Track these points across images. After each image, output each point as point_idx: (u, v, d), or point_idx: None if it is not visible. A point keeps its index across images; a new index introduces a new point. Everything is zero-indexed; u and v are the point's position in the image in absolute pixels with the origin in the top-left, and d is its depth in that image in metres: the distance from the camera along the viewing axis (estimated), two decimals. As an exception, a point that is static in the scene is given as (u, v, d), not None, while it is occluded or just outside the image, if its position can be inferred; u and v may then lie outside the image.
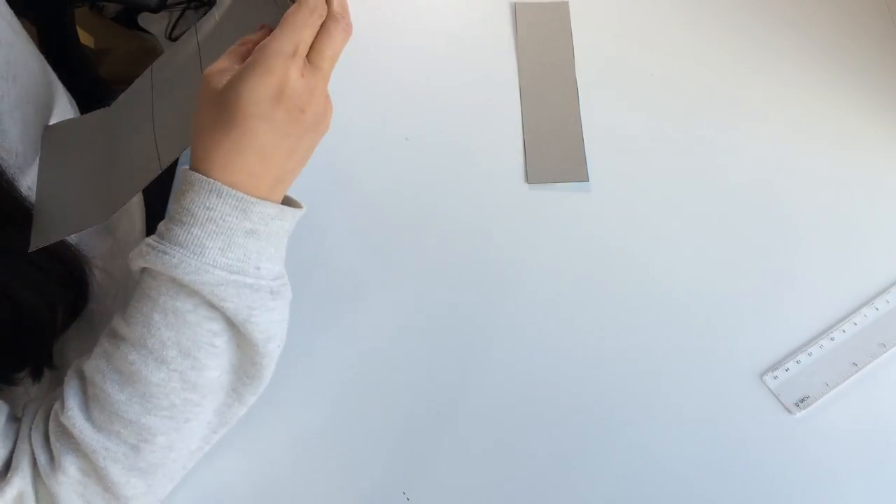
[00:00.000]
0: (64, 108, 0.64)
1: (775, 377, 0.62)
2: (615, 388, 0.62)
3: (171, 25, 1.51)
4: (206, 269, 0.44)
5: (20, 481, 0.46)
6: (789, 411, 0.61)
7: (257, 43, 0.46)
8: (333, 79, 0.47)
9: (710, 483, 0.59)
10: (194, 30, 0.55)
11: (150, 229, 0.80)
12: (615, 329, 0.64)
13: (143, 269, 0.47)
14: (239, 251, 0.46)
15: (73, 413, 0.47)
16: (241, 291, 0.46)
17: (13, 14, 0.60)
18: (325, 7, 0.46)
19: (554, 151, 0.70)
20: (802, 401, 0.61)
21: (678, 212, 0.69)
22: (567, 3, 0.78)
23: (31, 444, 0.48)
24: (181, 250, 0.44)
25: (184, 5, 1.50)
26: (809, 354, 0.62)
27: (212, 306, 0.46)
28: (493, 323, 0.64)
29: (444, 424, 0.61)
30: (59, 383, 0.65)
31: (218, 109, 0.44)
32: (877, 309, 0.64)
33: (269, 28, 0.47)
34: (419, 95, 0.75)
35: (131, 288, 0.49)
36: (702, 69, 0.75)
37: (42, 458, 0.47)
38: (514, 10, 0.78)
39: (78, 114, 0.69)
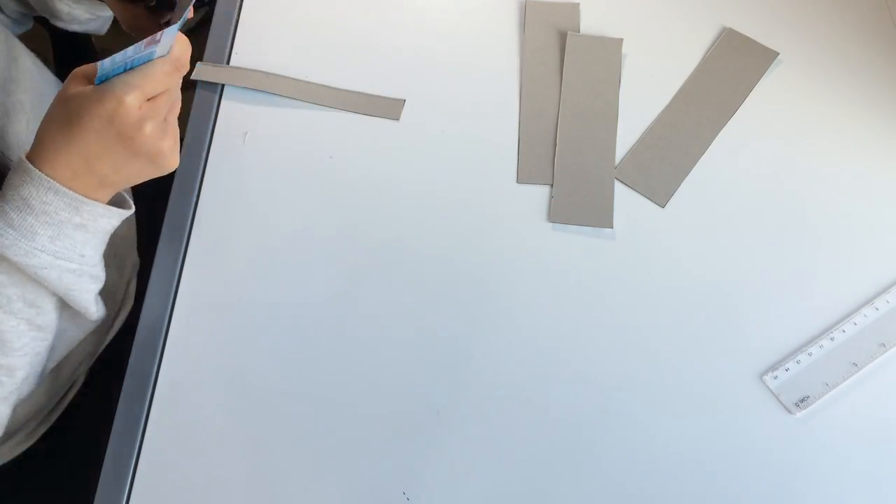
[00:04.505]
0: (27, 71, 0.68)
1: (775, 377, 0.62)
2: (615, 388, 0.62)
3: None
4: (35, 252, 0.50)
5: None
6: (789, 411, 0.61)
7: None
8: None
9: (711, 483, 0.59)
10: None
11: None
12: (615, 329, 0.64)
13: None
14: (67, 241, 0.52)
15: None
16: (63, 275, 0.52)
17: None
18: (186, 68, 0.52)
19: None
20: (802, 401, 0.61)
21: (676, 212, 0.69)
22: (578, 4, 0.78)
23: None
24: (14, 233, 0.50)
25: (185, 6, 1.50)
26: (809, 354, 0.62)
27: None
28: (493, 324, 0.64)
29: (444, 424, 0.61)
30: None
31: (65, 110, 0.50)
32: (877, 309, 0.64)
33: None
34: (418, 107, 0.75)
35: None
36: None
37: None
38: (524, 10, 0.78)
39: (45, 75, 0.72)
